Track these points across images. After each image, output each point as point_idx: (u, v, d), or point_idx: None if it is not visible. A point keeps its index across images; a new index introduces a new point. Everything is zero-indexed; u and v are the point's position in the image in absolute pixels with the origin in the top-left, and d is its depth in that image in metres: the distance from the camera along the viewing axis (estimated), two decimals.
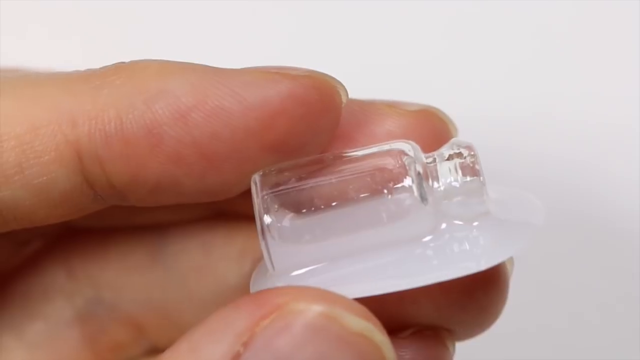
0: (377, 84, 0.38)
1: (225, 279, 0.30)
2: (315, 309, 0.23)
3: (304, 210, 0.24)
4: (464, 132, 0.28)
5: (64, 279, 0.30)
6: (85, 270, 0.30)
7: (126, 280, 0.30)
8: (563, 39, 0.38)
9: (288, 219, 0.24)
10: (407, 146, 0.25)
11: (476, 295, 0.26)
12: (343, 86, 0.25)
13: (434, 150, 0.26)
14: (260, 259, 0.28)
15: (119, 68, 0.24)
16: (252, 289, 0.25)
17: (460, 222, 0.25)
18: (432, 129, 0.27)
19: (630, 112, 0.36)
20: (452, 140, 0.25)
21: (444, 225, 0.25)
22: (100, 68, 0.24)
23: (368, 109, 0.27)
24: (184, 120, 0.23)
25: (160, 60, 0.24)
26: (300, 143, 0.24)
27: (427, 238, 0.25)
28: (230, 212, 0.30)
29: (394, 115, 0.27)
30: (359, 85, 0.27)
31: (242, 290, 0.30)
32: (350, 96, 0.26)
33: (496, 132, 0.37)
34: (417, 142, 0.26)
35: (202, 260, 0.30)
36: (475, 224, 0.25)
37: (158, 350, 0.30)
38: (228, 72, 0.24)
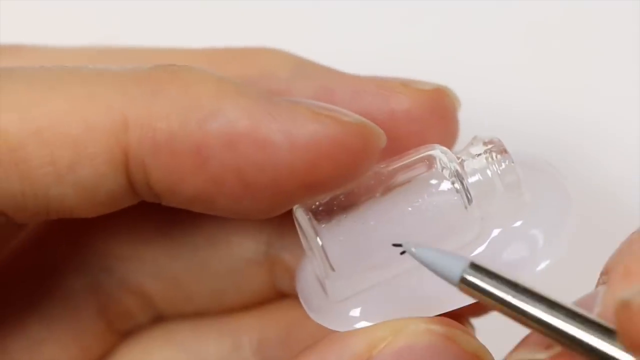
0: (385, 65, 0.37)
1: (239, 252, 0.31)
2: (436, 330, 0.24)
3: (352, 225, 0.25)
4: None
5: (71, 253, 0.30)
6: (92, 242, 0.30)
7: (134, 252, 0.31)
8: (565, 32, 0.38)
9: (337, 223, 0.25)
10: (437, 151, 0.26)
11: None
12: (383, 133, 0.26)
13: (448, 130, 0.28)
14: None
15: (174, 74, 0.24)
16: (318, 318, 0.26)
17: (503, 220, 0.25)
18: (445, 107, 0.28)
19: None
20: (475, 137, 0.26)
21: (489, 226, 0.25)
22: (153, 68, 0.25)
23: (385, 89, 0.28)
24: (232, 147, 0.24)
25: (217, 75, 0.25)
26: (337, 184, 0.25)
27: (477, 241, 0.25)
28: None
29: (410, 95, 0.28)
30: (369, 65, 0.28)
31: (257, 263, 0.31)
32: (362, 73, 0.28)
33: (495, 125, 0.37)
34: (432, 119, 0.28)
35: (215, 232, 0.30)
36: (519, 223, 0.25)
37: (165, 318, 0.31)
38: (281, 104, 0.24)
